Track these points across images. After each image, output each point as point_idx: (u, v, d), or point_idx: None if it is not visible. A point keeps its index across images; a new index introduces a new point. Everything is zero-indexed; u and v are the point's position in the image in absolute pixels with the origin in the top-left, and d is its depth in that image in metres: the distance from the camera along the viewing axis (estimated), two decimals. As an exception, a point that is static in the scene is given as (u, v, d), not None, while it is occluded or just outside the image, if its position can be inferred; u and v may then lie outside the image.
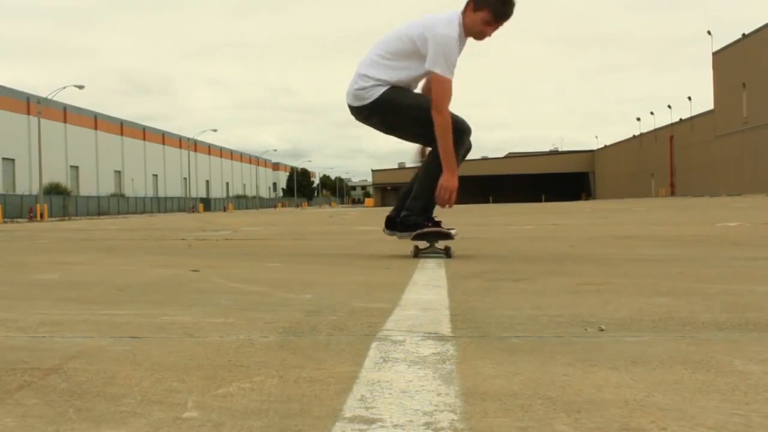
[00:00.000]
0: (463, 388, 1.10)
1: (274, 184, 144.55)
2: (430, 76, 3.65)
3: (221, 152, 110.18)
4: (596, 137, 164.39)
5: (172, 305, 2.12)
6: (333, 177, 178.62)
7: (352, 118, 3.86)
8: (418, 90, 3.88)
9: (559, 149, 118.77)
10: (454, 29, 3.58)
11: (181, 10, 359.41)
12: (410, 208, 3.78)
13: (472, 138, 3.84)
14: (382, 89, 3.67)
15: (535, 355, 1.34)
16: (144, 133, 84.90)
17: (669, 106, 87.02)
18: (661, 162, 77.20)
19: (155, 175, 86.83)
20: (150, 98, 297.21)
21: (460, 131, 3.68)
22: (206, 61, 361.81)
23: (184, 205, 75.53)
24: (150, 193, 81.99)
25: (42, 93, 49.08)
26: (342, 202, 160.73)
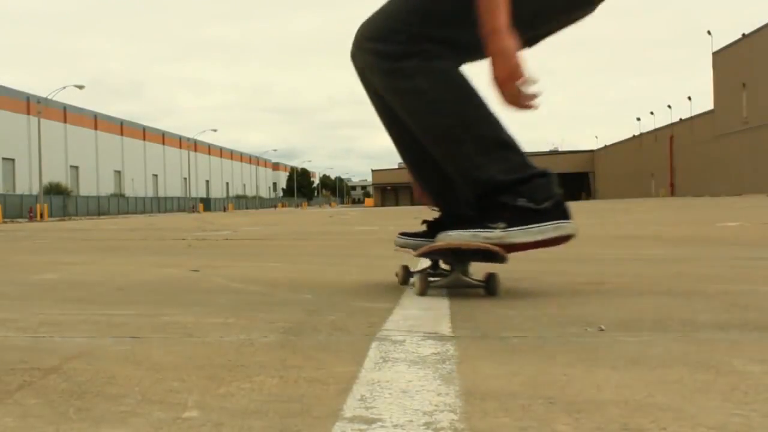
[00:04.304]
0: (463, 388, 1.10)
1: (274, 184, 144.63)
2: None
3: (221, 152, 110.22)
4: (596, 137, 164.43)
5: (172, 305, 2.12)
6: (333, 177, 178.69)
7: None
8: None
9: (559, 149, 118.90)
10: None
11: (166, 13, 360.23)
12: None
13: None
14: None
15: (535, 355, 1.34)
16: (144, 133, 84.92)
17: (669, 106, 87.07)
18: (661, 162, 77.19)
19: (155, 175, 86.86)
20: (137, 101, 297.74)
21: None
22: (196, 64, 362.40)
23: (184, 205, 75.56)
24: (150, 193, 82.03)
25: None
26: (342, 202, 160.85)
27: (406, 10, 2.12)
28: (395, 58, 2.09)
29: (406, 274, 2.39)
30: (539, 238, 2.05)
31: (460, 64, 2.15)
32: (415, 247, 2.28)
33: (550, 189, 2.07)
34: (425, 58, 2.07)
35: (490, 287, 2.13)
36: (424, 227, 2.35)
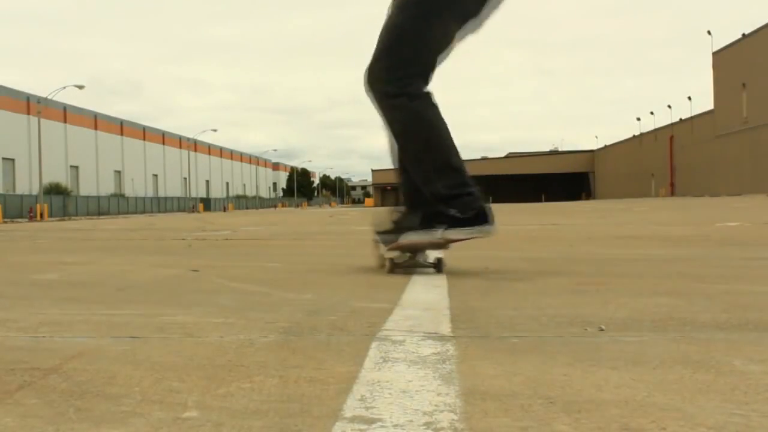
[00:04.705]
0: (463, 388, 1.10)
1: (274, 184, 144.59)
2: None
3: (221, 152, 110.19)
4: (596, 137, 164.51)
5: (172, 305, 2.12)
6: (333, 177, 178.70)
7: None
8: None
9: (559, 149, 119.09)
10: None
11: (165, 13, 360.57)
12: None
13: None
14: None
15: (535, 355, 1.34)
16: (144, 133, 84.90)
17: (669, 106, 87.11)
18: (661, 162, 77.17)
19: (155, 175, 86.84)
20: (137, 101, 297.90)
21: None
22: (195, 64, 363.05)
23: (184, 205, 75.55)
24: (150, 193, 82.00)
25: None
26: (342, 202, 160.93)
27: (393, 60, 2.86)
28: (391, 96, 2.86)
29: (382, 259, 3.08)
30: (467, 236, 2.84)
31: (430, 79, 2.90)
32: (386, 243, 3.01)
33: (474, 204, 2.82)
34: (409, 98, 2.85)
35: (438, 267, 2.92)
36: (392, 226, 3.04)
